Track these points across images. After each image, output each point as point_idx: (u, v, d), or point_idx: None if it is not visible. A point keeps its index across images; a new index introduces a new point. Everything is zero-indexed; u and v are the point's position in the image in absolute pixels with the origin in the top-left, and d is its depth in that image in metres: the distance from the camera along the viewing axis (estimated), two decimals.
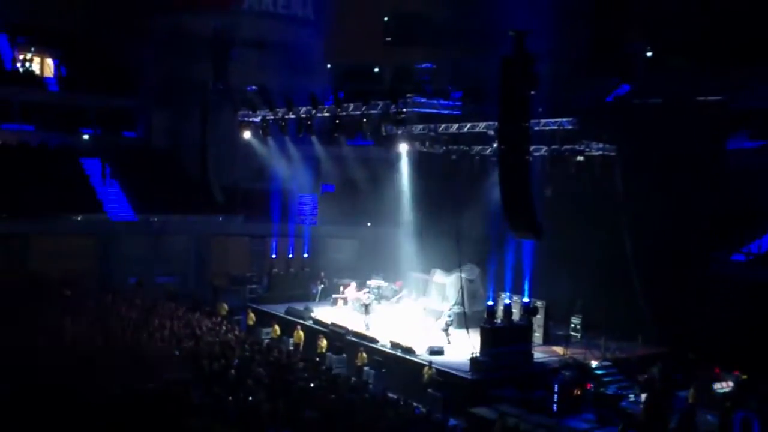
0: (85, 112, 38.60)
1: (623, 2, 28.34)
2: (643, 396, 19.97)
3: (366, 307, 26.36)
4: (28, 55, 39.36)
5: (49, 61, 39.79)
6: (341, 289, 29.53)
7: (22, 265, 30.58)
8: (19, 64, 38.91)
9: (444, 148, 27.46)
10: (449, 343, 23.47)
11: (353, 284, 29.24)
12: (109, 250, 32.71)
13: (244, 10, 38.28)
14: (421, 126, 26.95)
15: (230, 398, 16.67)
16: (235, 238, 35.25)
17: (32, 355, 18.98)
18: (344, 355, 24.13)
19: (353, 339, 24.56)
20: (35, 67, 39.59)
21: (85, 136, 38.07)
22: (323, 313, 27.72)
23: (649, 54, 27.66)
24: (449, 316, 25.09)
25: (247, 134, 31.09)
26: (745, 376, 20.49)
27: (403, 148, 29.04)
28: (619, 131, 23.51)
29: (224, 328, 25.01)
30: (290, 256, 32.70)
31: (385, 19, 34.95)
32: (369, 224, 34.26)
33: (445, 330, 24.09)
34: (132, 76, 39.47)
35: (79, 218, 32.90)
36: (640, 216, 23.71)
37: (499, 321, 23.29)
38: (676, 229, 23.27)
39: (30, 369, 17.51)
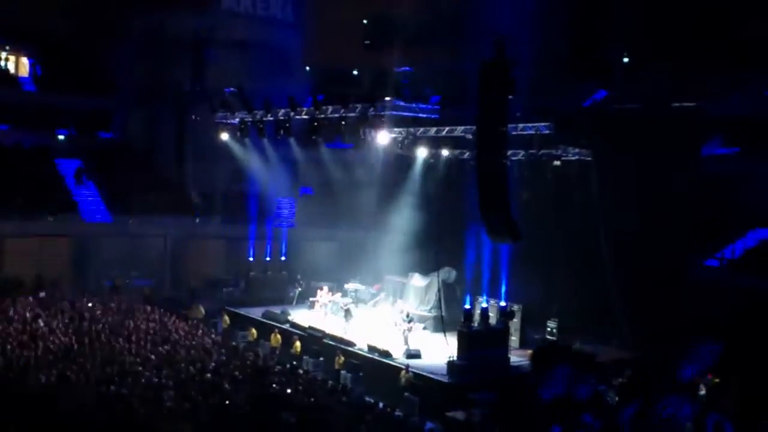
0: (60, 112, 38.14)
1: (601, 9, 28.62)
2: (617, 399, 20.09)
3: (346, 312, 26.29)
4: (3, 54, 38.85)
5: (24, 60, 39.31)
6: (317, 292, 29.47)
7: None
8: None
9: (422, 152, 27.51)
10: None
11: (326, 287, 29.16)
12: (84, 252, 32.33)
13: (223, 12, 38.09)
14: (399, 129, 27.00)
15: (206, 402, 16.56)
16: (212, 240, 34.99)
17: (4, 356, 18.79)
18: (321, 358, 24.08)
19: (330, 342, 24.51)
20: (10, 66, 39.08)
21: (61, 137, 37.62)
22: (300, 316, 27.64)
23: (626, 60, 27.95)
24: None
25: (224, 136, 30.92)
26: (717, 380, 20.70)
27: (381, 151, 29.04)
28: (596, 136, 23.69)
29: (200, 331, 24.84)
30: (268, 258, 32.55)
31: (365, 21, 34.99)
32: (345, 227, 34.18)
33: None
34: (109, 77, 39.09)
35: (53, 219, 32.49)
36: (615, 221, 23.90)
37: (476, 324, 23.35)
38: (651, 234, 23.48)
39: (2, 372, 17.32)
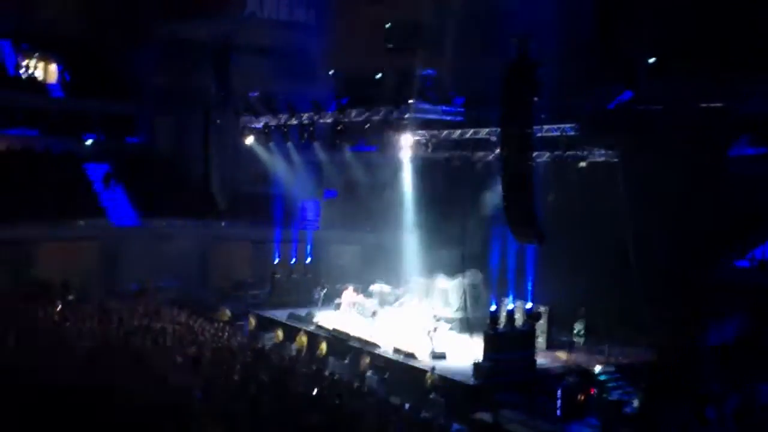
0: (88, 118, 38.66)
1: (626, 8, 28.40)
2: None
3: (372, 313, 26.43)
4: (32, 61, 39.43)
5: (53, 67, 39.85)
6: (342, 294, 29.58)
7: (25, 270, 30.61)
8: (22, 70, 39.00)
9: (446, 154, 27.50)
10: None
11: (350, 288, 29.27)
12: (112, 255, 32.75)
13: (246, 17, 38.37)
14: (423, 132, 27.01)
15: (233, 404, 16.70)
16: (238, 243, 35.27)
17: (36, 360, 19.06)
18: (347, 360, 24.14)
19: (355, 344, 24.57)
20: (39, 72, 39.67)
21: (88, 142, 38.13)
22: (325, 318, 27.74)
23: (652, 60, 27.70)
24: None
25: (249, 140, 31.18)
26: None
27: (406, 154, 29.07)
28: (622, 137, 23.54)
29: (227, 333, 25.06)
30: (293, 261, 32.72)
31: (388, 25, 35.02)
32: (370, 230, 34.25)
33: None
34: (134, 82, 39.56)
35: (82, 223, 32.94)
36: (642, 222, 23.71)
37: (501, 326, 23.30)
38: (679, 235, 23.28)
39: (34, 374, 17.57)
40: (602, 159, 24.09)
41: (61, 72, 39.57)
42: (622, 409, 19.91)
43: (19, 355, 19.15)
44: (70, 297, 28.20)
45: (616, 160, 23.81)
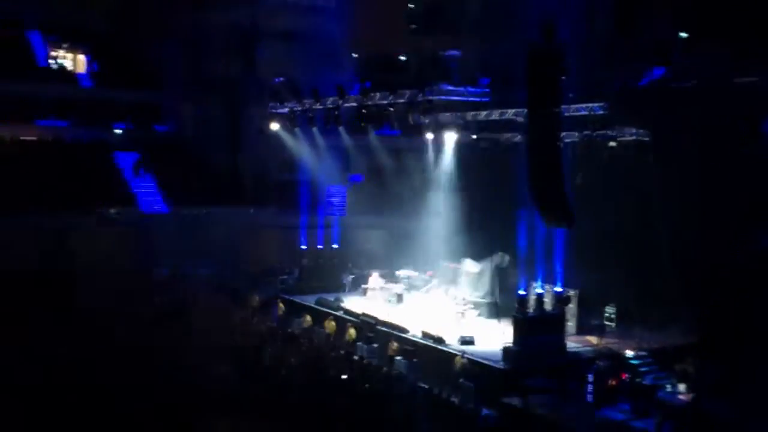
0: (117, 107, 39.05)
1: None
2: (681, 386, 19.61)
3: (398, 297, 26.37)
4: (61, 52, 39.86)
5: (81, 57, 40.25)
6: (369, 279, 29.54)
7: (58, 257, 31.03)
8: (52, 61, 39.40)
9: (472, 136, 27.19)
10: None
11: (376, 274, 29.21)
12: (142, 243, 33.05)
13: (269, 3, 38.25)
14: (448, 114, 26.72)
15: (263, 388, 16.77)
16: (266, 229, 35.39)
17: (72, 346, 19.32)
18: (375, 345, 24.10)
19: (384, 329, 24.51)
20: (68, 63, 40.06)
21: (118, 131, 38.44)
22: (353, 303, 27.72)
23: (684, 36, 27.00)
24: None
25: (275, 126, 31.17)
26: None
27: (430, 137, 28.82)
28: (653, 115, 23.00)
29: (256, 318, 25.19)
30: (320, 246, 32.71)
31: (410, 6, 34.69)
32: (396, 214, 34.08)
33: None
34: (161, 71, 39.77)
35: (112, 211, 33.29)
36: (674, 202, 23.22)
37: (531, 310, 23.05)
38: (712, 214, 22.75)
39: (71, 360, 17.80)
40: (632, 138, 23.59)
41: (89, 62, 39.94)
42: (655, 394, 19.56)
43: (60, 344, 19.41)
44: (104, 285, 28.50)
45: (646, 139, 23.29)
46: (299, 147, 32.55)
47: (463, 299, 25.80)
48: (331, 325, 25.71)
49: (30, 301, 23.24)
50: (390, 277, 29.73)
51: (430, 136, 28.67)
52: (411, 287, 29.13)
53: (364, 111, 26.44)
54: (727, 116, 22.39)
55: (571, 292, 24.20)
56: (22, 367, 16.74)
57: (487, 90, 24.65)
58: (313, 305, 28.18)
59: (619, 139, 23.27)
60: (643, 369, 21.60)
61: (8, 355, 17.73)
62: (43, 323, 21.05)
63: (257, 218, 35.42)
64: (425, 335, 23.22)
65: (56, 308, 23.15)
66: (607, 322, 24.44)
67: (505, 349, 21.32)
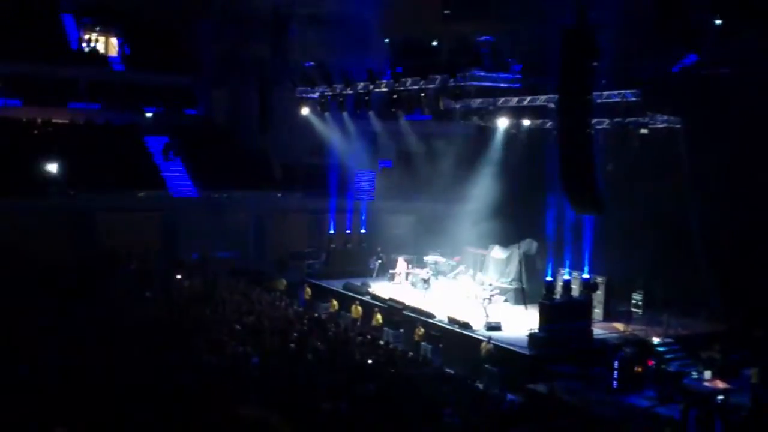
0: (147, 90, 39.29)
1: None
2: (707, 374, 19.51)
3: (425, 282, 26.49)
4: (93, 35, 40.19)
5: (113, 41, 40.58)
6: (396, 264, 29.65)
7: (88, 240, 31.52)
8: (84, 44, 39.81)
9: (503, 122, 27.10)
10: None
11: (402, 259, 29.29)
12: (171, 226, 33.43)
13: None
14: (480, 100, 26.64)
15: (289, 372, 16.95)
16: (294, 213, 35.60)
17: (99, 327, 19.67)
18: (401, 330, 24.24)
19: (410, 314, 24.63)
20: (100, 46, 40.43)
21: (148, 114, 38.81)
22: (380, 288, 27.87)
23: (718, 22, 26.59)
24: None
25: (305, 110, 31.29)
26: None
27: (461, 122, 28.77)
28: (686, 103, 22.76)
29: (283, 302, 25.41)
30: (348, 231, 32.87)
31: None
32: (425, 199, 34.11)
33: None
34: (192, 54, 39.99)
35: (142, 195, 33.68)
36: (705, 189, 23.00)
37: (558, 297, 23.02)
38: (743, 202, 22.51)
39: (99, 341, 18.13)
40: (664, 126, 23.35)
41: (121, 45, 40.27)
42: (681, 381, 19.49)
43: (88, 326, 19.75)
44: (133, 267, 28.95)
45: (678, 126, 23.05)
46: (329, 132, 32.66)
47: (490, 285, 25.87)
48: (357, 310, 25.89)
49: (60, 283, 23.61)
50: (417, 263, 29.82)
51: (460, 121, 28.58)
52: (438, 272, 29.19)
53: (395, 96, 26.44)
54: (760, 104, 22.10)
55: (599, 279, 24.15)
56: (53, 347, 17.06)
57: (519, 76, 24.50)
58: (339, 290, 28.38)
59: (650, 126, 23.04)
60: (668, 356, 21.56)
61: (38, 336, 18.08)
62: (73, 305, 21.40)
63: (286, 202, 35.61)
64: (451, 321, 23.31)
65: (85, 291, 23.48)
66: (634, 309, 24.37)
67: (531, 335, 21.34)
